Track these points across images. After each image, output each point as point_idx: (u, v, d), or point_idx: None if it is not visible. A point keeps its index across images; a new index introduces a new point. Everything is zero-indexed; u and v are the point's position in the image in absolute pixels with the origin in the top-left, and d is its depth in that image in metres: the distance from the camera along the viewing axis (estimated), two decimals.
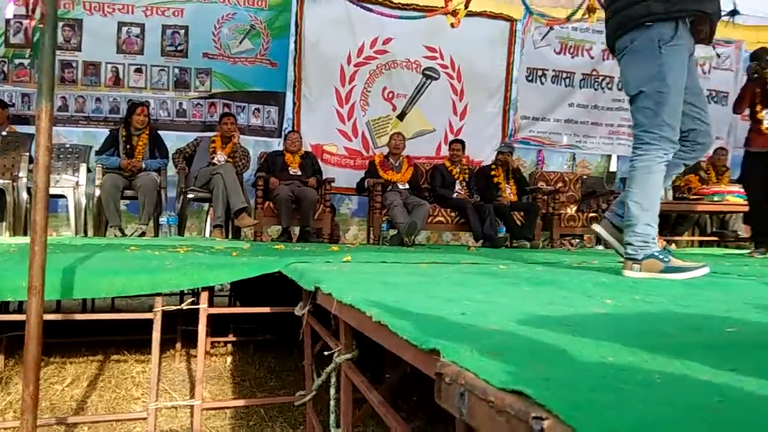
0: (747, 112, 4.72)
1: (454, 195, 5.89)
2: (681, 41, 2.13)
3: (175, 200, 5.45)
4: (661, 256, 2.10)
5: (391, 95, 6.68)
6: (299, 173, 5.58)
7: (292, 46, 6.27)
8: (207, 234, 5.52)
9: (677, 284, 1.90)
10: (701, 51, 7.23)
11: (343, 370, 1.47)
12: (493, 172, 6.15)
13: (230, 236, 5.28)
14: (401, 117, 6.72)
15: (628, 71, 2.25)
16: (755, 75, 4.58)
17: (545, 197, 6.12)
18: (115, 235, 4.89)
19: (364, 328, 1.14)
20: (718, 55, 7.38)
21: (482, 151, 6.81)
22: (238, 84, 6.21)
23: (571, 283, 1.78)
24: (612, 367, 0.68)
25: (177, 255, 2.70)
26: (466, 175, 6.09)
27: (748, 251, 4.72)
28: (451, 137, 6.61)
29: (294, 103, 6.33)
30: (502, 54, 6.91)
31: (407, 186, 5.82)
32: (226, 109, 6.05)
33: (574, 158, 7.39)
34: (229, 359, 3.32)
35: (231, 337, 3.55)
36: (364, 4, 5.84)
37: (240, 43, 6.17)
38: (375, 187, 5.56)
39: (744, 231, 6.29)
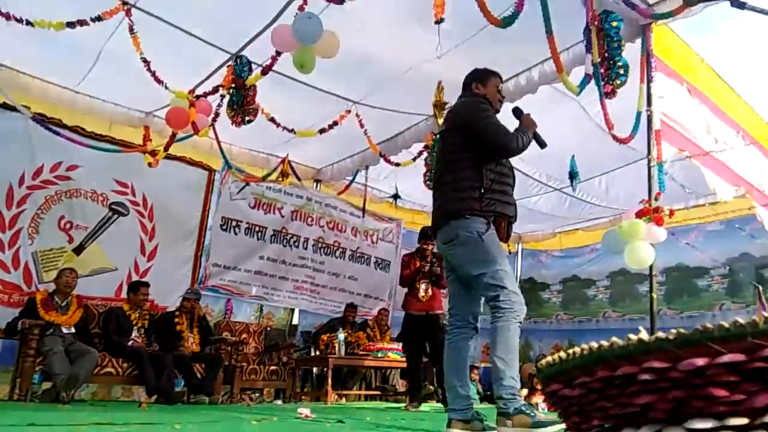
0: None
1: (130, 343, 5.33)
2: (492, 231, 2.66)
3: None
4: (527, 411, 2.35)
5: (68, 225, 5.97)
6: None
7: None
8: None
9: None
10: (370, 224, 8.48)
11: None
12: (177, 320, 5.81)
13: None
14: (78, 251, 6.00)
15: (463, 258, 2.69)
16: (418, 251, 5.47)
17: (229, 348, 5.99)
18: None
19: None
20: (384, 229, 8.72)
21: (170, 296, 6.44)
22: None
23: None
24: None
25: None
26: (146, 321, 5.61)
27: (404, 405, 5.25)
28: (135, 277, 6.12)
29: None
30: (198, 199, 6.92)
31: (73, 330, 5.05)
32: None
33: (261, 309, 7.51)
34: None
35: None
36: (50, 126, 5.31)
37: None
38: (31, 329, 4.67)
39: (401, 385, 7.05)
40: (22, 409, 3.19)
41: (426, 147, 5.44)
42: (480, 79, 2.94)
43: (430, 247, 5.38)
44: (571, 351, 0.72)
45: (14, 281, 5.55)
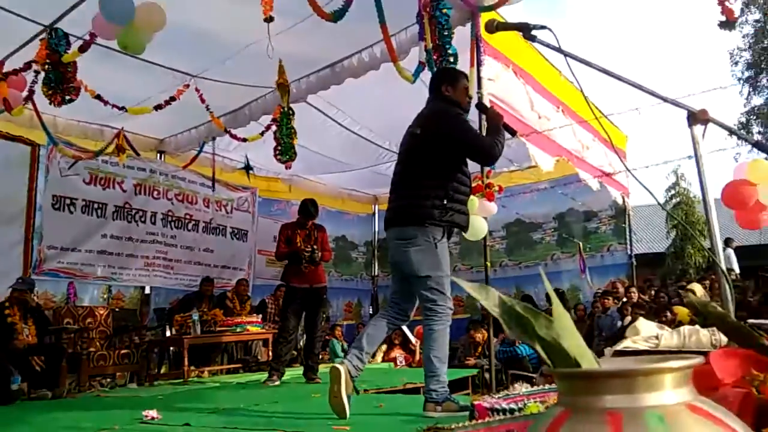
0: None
1: None
2: (445, 241, 2.87)
3: None
4: (453, 399, 2.77)
5: None
6: None
7: None
8: None
9: None
10: (223, 194, 8.23)
11: None
12: (7, 311, 5.28)
13: None
14: None
15: (413, 258, 2.84)
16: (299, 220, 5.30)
17: (72, 335, 5.60)
18: None
19: None
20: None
21: (0, 285, 5.81)
22: None
23: None
24: None
25: None
26: None
27: (264, 378, 5.25)
28: None
29: None
30: (22, 178, 6.21)
31: None
32: None
33: (110, 290, 7.07)
34: None
35: None
36: None
37: None
38: None
39: (263, 354, 7.07)
40: None
41: (274, 120, 5.34)
42: (450, 81, 3.02)
43: (310, 223, 5.30)
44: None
45: None
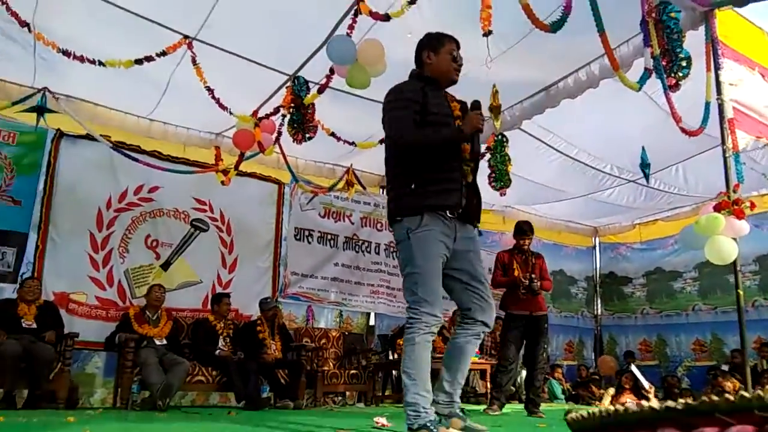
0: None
1: (217, 352, 5.64)
2: (427, 227, 2.40)
3: None
4: (431, 427, 2.22)
5: (155, 243, 6.39)
6: (34, 326, 4.85)
7: (41, 185, 5.74)
8: None
9: None
10: None
11: None
12: (258, 328, 6.08)
13: None
14: (165, 266, 6.41)
15: (399, 258, 2.54)
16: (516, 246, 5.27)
17: (309, 354, 6.20)
18: None
19: None
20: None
21: (252, 305, 6.74)
22: None
23: None
24: None
25: None
26: (230, 331, 5.92)
27: (484, 407, 5.21)
28: (219, 290, 6.47)
29: (37, 246, 5.65)
30: (271, 213, 7.23)
31: (165, 342, 5.42)
32: None
33: (341, 315, 7.72)
34: None
35: None
36: (129, 153, 5.73)
37: None
38: (127, 342, 5.06)
39: (481, 387, 7.02)
40: (122, 419, 3.48)
41: (488, 148, 5.40)
42: (432, 46, 2.63)
43: (527, 242, 5.25)
44: (592, 411, 0.75)
45: (110, 297, 6.00)
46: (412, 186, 2.43)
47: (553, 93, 4.99)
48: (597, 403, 7.82)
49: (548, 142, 6.16)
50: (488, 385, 6.26)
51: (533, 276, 5.05)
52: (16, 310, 4.86)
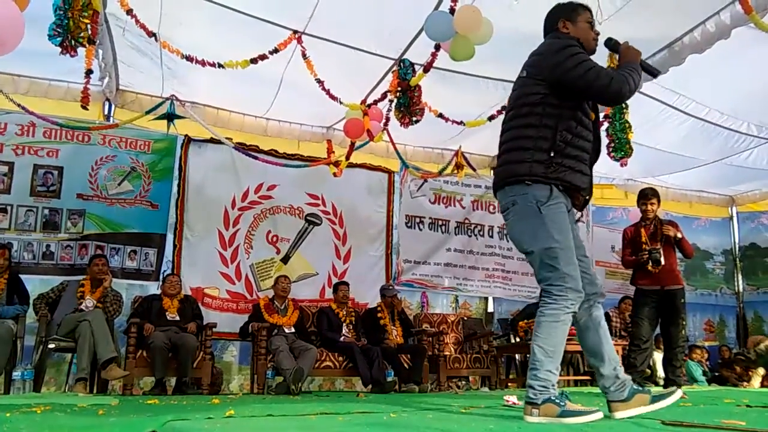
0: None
1: (341, 338, 5.81)
2: (558, 200, 2.33)
3: (32, 351, 4.87)
4: (557, 401, 2.18)
5: (275, 239, 6.70)
6: (177, 318, 5.27)
7: (175, 188, 6.21)
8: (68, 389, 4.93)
9: (568, 429, 1.95)
10: None
11: None
12: (379, 314, 6.19)
13: (95, 391, 4.74)
14: (285, 260, 6.71)
15: (517, 230, 2.42)
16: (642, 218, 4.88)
17: (430, 339, 6.21)
18: None
19: None
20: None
21: (367, 293, 6.89)
22: (113, 225, 5.93)
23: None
24: None
25: (32, 416, 2.36)
26: (353, 318, 6.08)
27: None
28: (335, 280, 6.65)
29: (174, 245, 6.13)
30: (382, 202, 7.32)
31: (293, 330, 5.67)
32: (99, 251, 5.71)
33: (457, 300, 7.67)
34: None
35: None
36: (250, 153, 6.04)
37: (119, 184, 6.01)
38: (260, 331, 5.35)
39: None
40: (261, 402, 3.67)
41: (606, 116, 5.09)
42: (568, 16, 2.50)
43: (650, 207, 4.83)
44: None
45: (239, 291, 6.38)
46: (550, 154, 2.32)
47: (677, 49, 4.57)
48: (744, 384, 7.22)
49: (673, 104, 5.69)
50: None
51: (656, 247, 4.69)
52: (161, 304, 5.30)
